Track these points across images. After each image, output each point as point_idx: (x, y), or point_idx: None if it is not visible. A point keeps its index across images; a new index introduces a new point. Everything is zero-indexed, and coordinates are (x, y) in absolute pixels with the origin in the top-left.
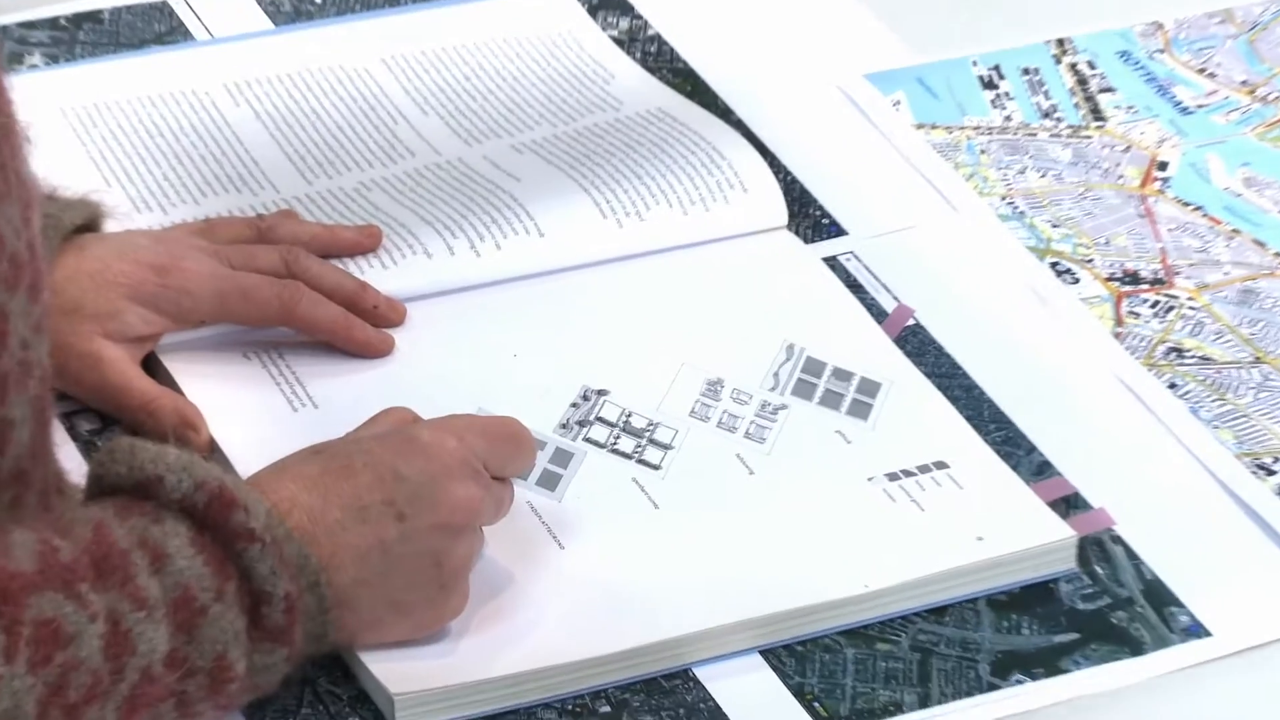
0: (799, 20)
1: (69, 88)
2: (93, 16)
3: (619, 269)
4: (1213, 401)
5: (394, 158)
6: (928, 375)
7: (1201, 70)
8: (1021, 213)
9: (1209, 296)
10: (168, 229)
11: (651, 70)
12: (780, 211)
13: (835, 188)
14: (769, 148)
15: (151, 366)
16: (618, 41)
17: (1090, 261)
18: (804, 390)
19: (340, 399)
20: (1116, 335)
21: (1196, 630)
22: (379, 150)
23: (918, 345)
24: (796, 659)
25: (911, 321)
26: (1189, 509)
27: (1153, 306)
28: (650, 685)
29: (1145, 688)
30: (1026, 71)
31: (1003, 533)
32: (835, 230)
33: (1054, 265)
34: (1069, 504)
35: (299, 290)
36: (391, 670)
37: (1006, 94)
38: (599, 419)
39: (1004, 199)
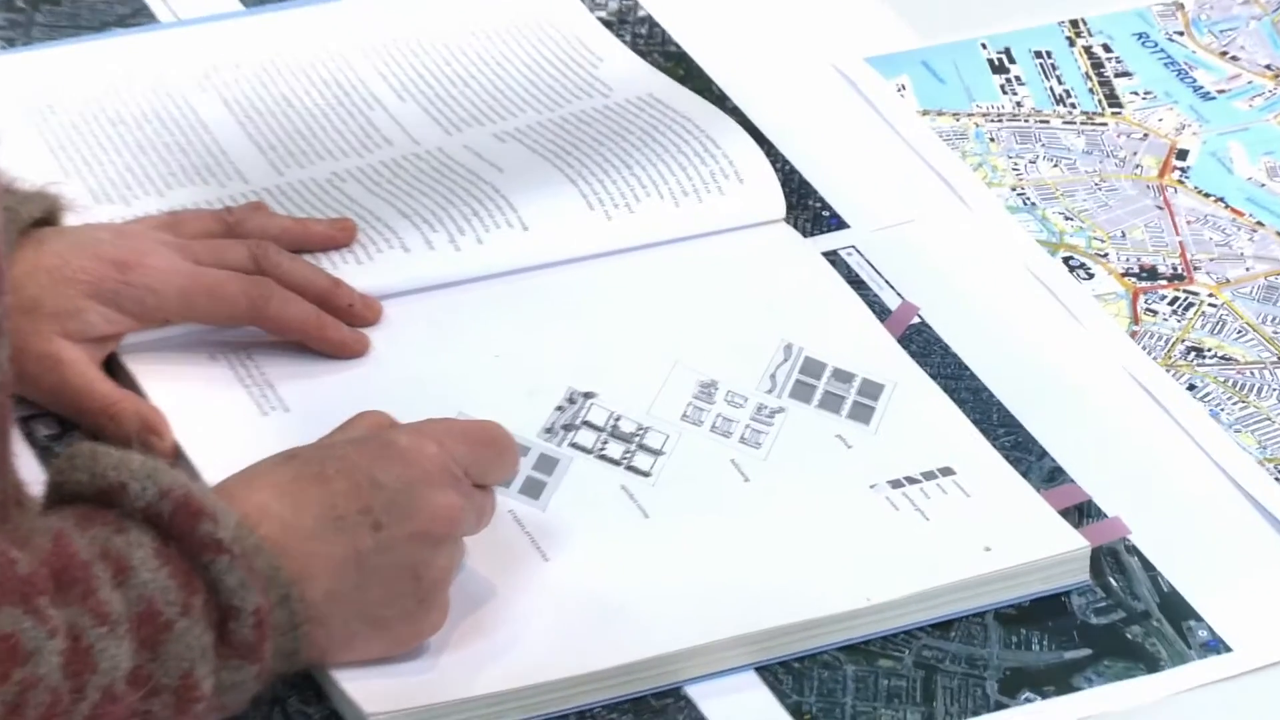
0: (798, 1)
1: (25, 73)
2: None
3: (607, 264)
4: (1234, 404)
5: (370, 147)
6: (933, 376)
7: (1223, 53)
8: (1033, 204)
9: (1230, 293)
10: (130, 223)
11: (642, 53)
12: (778, 203)
13: (836, 178)
14: (766, 136)
15: (113, 368)
16: (606, 23)
17: (1105, 256)
18: (802, 392)
19: (312, 402)
20: (1132, 334)
21: (1216, 646)
22: (354, 139)
23: (922, 345)
24: (794, 676)
25: (916, 320)
26: (1208, 518)
27: (1171, 303)
28: (639, 704)
29: (1162, 706)
30: (1038, 54)
31: (1012, 543)
32: (836, 223)
33: (1067, 260)
34: (1082, 513)
35: (269, 287)
36: (366, 689)
37: (1017, 78)
38: (586, 423)
39: (1014, 190)
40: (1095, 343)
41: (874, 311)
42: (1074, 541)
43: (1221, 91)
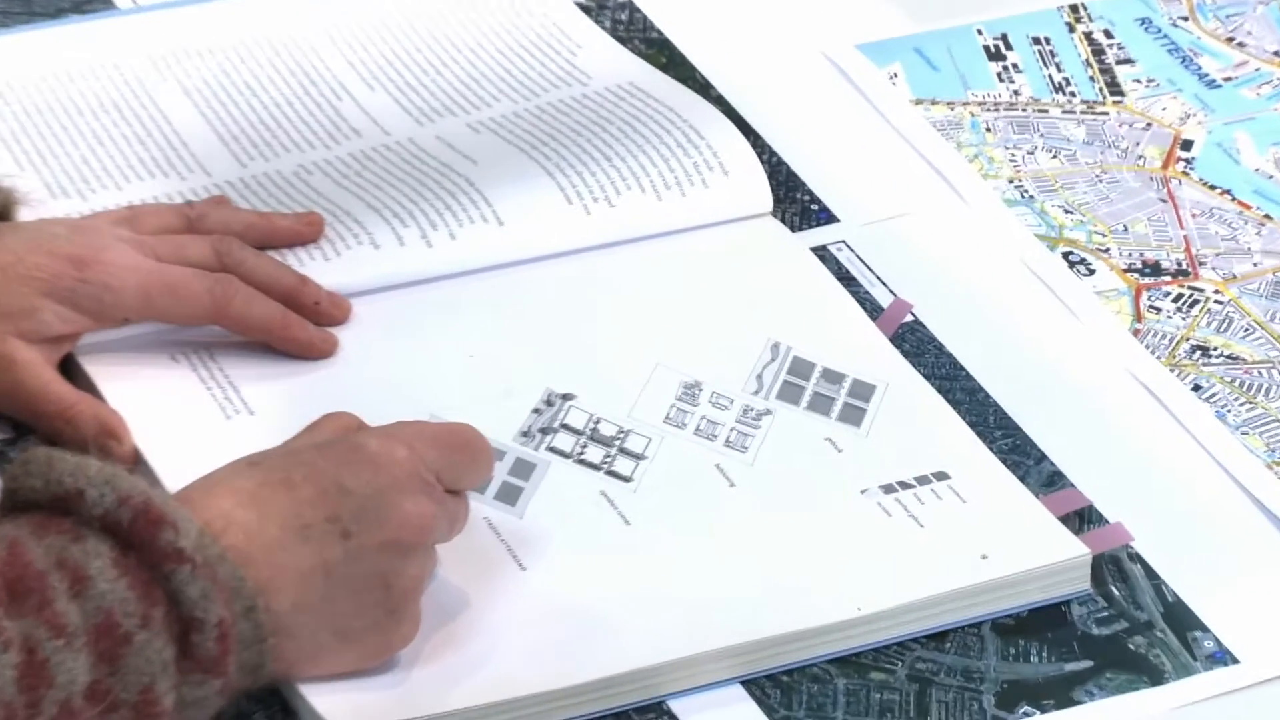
0: None
1: None
2: None
3: (586, 260)
4: (1241, 405)
5: (338, 138)
6: (927, 377)
7: (1230, 39)
8: (1031, 197)
9: (1237, 289)
10: (87, 217)
11: (622, 40)
12: (765, 196)
13: (825, 170)
14: (752, 126)
15: (70, 369)
16: (585, 9)
17: (1106, 251)
18: (790, 394)
19: (278, 405)
20: (1135, 332)
21: (1222, 657)
22: (321, 130)
23: (916, 344)
24: (782, 690)
25: (909, 318)
26: (1214, 523)
27: (1175, 300)
28: None
29: None
30: (1037, 41)
31: (1009, 550)
32: (825, 217)
33: (1066, 255)
34: (1082, 519)
35: (232, 285)
36: (335, 704)
37: (1014, 66)
38: (564, 426)
39: (1011, 182)
40: (1096, 341)
41: (865, 309)
42: (1074, 549)
43: (1228, 79)
